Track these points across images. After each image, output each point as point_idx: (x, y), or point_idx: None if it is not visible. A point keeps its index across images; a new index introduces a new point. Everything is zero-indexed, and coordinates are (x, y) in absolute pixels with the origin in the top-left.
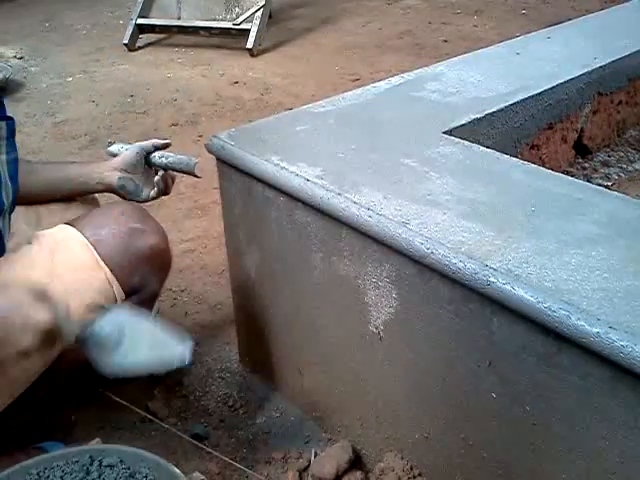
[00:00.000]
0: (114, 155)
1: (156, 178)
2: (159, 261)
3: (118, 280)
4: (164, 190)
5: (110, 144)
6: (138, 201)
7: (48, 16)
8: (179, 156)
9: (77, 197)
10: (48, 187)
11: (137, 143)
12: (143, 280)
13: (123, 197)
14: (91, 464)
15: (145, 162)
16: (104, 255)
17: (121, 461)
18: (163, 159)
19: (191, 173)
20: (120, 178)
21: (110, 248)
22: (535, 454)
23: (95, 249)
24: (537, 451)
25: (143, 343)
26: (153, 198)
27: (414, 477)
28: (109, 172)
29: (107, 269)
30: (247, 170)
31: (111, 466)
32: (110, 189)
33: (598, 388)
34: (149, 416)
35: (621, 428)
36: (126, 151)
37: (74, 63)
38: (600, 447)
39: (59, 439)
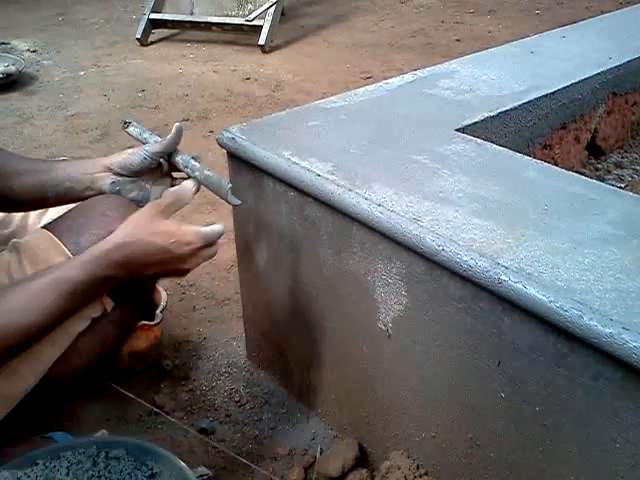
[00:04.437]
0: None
1: (190, 186)
2: None
3: None
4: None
5: (127, 124)
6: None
7: (62, 10)
8: (208, 172)
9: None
10: (33, 194)
11: (147, 146)
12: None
13: None
14: (97, 455)
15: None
16: None
17: (127, 453)
18: (188, 170)
19: (222, 197)
20: (113, 183)
21: None
22: (544, 455)
23: None
24: (546, 452)
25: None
26: None
27: (420, 476)
28: (101, 174)
29: None
30: (258, 165)
31: (117, 458)
32: (102, 194)
33: (609, 389)
34: (155, 409)
35: (632, 430)
36: (129, 152)
37: (87, 57)
38: (610, 449)
39: (65, 430)
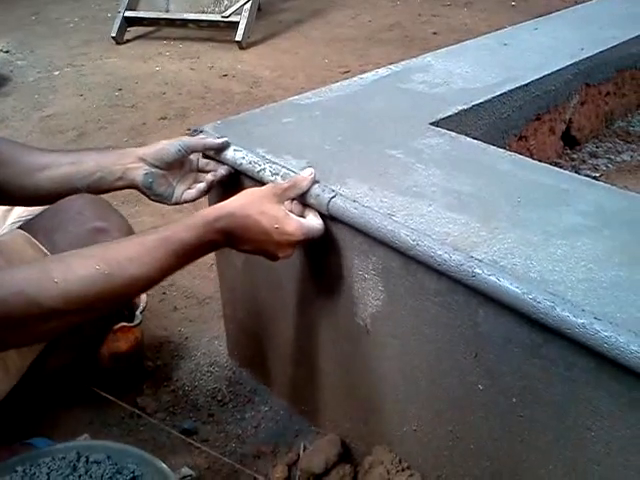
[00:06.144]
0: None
1: (207, 176)
2: None
3: None
4: (203, 193)
5: (196, 132)
6: (164, 203)
7: (35, 9)
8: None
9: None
10: (60, 186)
11: (184, 138)
12: None
13: (146, 195)
14: (78, 460)
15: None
16: None
17: (108, 457)
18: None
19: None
20: (147, 174)
21: None
22: (522, 445)
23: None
24: (524, 442)
25: None
26: (186, 201)
27: (402, 470)
28: (134, 164)
29: None
30: (232, 163)
31: (98, 462)
32: (133, 185)
33: (583, 379)
34: (137, 411)
35: (606, 418)
36: (165, 143)
37: (61, 56)
38: (585, 437)
39: (47, 435)
